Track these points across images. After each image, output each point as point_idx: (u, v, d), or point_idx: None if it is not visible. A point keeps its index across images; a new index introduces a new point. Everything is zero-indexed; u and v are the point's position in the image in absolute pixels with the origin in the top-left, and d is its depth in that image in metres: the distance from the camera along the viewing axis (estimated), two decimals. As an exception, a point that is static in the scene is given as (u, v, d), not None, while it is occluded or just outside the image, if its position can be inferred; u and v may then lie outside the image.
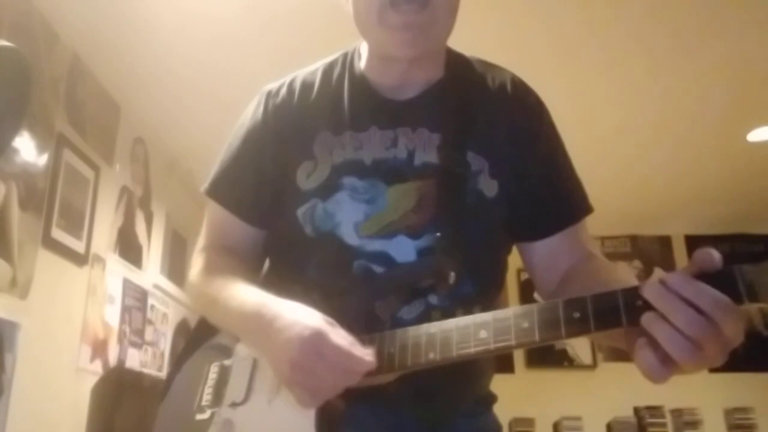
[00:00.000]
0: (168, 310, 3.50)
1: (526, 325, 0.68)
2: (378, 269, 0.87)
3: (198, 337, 1.01)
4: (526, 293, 4.57)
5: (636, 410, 4.21)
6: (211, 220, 1.04)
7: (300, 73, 1.03)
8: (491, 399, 0.99)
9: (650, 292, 0.60)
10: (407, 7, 0.85)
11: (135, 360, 2.99)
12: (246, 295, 0.86)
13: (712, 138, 3.42)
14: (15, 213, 2.07)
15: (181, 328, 3.73)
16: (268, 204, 0.97)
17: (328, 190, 0.91)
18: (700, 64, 2.73)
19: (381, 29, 0.88)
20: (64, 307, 2.38)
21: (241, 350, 0.92)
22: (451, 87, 0.96)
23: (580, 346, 4.51)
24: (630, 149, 3.48)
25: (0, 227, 2.00)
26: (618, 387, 4.31)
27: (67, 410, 2.36)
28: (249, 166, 0.99)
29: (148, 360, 3.16)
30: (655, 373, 0.63)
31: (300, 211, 0.91)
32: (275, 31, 2.46)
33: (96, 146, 2.68)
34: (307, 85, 1.00)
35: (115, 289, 2.82)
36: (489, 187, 0.90)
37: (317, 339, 0.73)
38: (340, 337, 0.74)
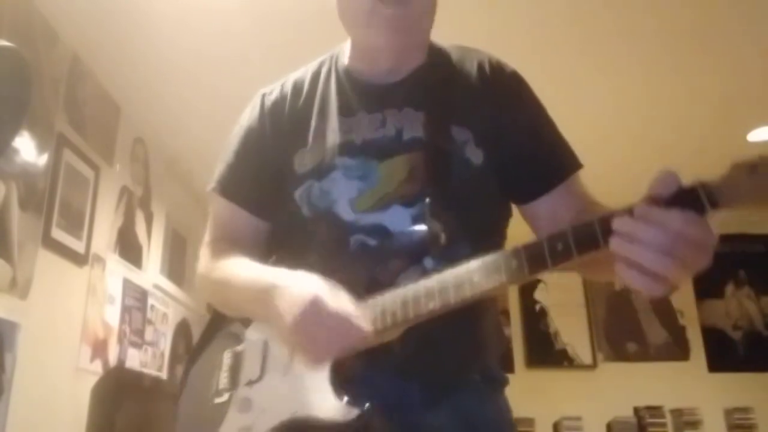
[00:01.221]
0: (168, 310, 3.50)
1: (515, 263, 0.74)
2: (373, 243, 0.91)
3: (211, 329, 1.07)
4: (526, 293, 4.58)
5: (636, 410, 4.20)
6: (216, 217, 1.09)
7: (291, 75, 1.11)
8: (501, 380, 1.01)
9: (618, 221, 0.68)
10: (394, 1, 0.93)
11: (135, 360, 2.99)
12: (251, 270, 0.94)
13: (712, 138, 3.42)
14: (15, 213, 2.07)
15: (181, 328, 3.73)
16: (271, 194, 1.02)
17: (322, 170, 0.96)
18: (700, 63, 2.73)
19: (370, 23, 0.96)
20: (64, 307, 2.38)
21: (252, 335, 0.97)
22: (432, 69, 1.03)
23: (580, 346, 4.52)
24: (629, 149, 3.47)
25: (0, 227, 2.00)
26: (618, 387, 4.31)
27: (67, 410, 2.36)
28: (250, 160, 1.05)
29: (148, 360, 3.16)
30: (644, 285, 0.67)
31: (297, 193, 0.97)
32: (277, 33, 2.46)
33: (96, 146, 2.68)
34: (298, 84, 1.08)
35: (115, 289, 2.82)
36: (475, 155, 0.96)
37: (316, 304, 0.80)
38: (340, 302, 0.81)
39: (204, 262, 1.06)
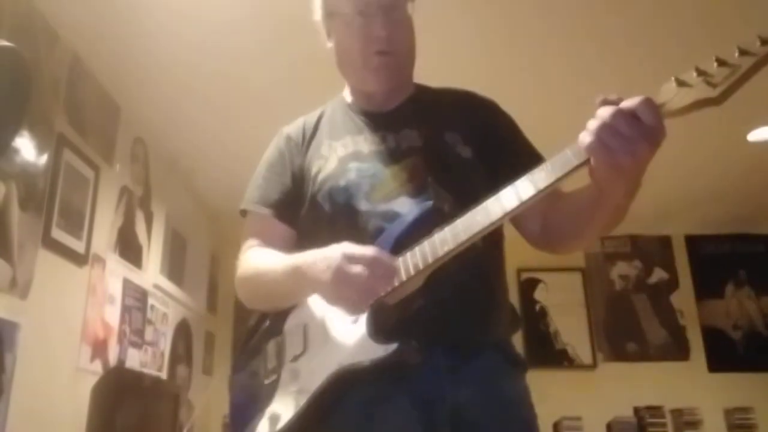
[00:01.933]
0: (168, 310, 3.50)
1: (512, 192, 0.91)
2: (388, 225, 1.05)
3: (253, 332, 1.20)
4: (526, 293, 4.58)
5: (636, 410, 4.20)
6: (250, 231, 1.24)
7: (303, 117, 1.31)
8: (522, 363, 1.13)
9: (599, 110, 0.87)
10: (384, 52, 1.16)
11: (135, 360, 2.99)
12: (281, 258, 1.08)
13: (712, 138, 3.42)
14: (15, 213, 2.07)
15: (181, 328, 3.73)
16: (297, 204, 1.19)
17: (339, 174, 1.14)
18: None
19: (364, 71, 1.19)
20: (64, 307, 2.38)
21: (290, 324, 1.10)
22: (420, 97, 1.26)
23: (580, 346, 4.52)
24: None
25: (0, 227, 2.00)
26: (618, 387, 4.31)
27: (67, 410, 2.36)
28: (277, 179, 1.23)
29: (148, 360, 3.16)
30: (607, 158, 0.83)
31: (320, 195, 1.14)
32: (276, 34, 2.46)
33: (96, 146, 2.68)
34: (309, 120, 1.29)
35: (115, 289, 2.82)
36: (465, 151, 1.15)
37: (346, 255, 0.95)
38: (364, 250, 0.95)
39: (240, 268, 1.20)
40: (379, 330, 0.96)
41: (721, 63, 0.80)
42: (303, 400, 0.99)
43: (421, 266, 0.95)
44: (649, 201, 4.26)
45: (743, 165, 3.72)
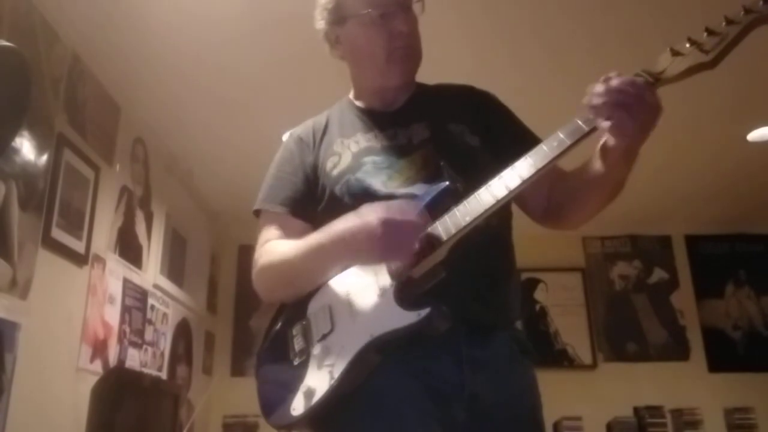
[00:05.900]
0: (168, 310, 3.50)
1: (530, 161, 0.98)
2: None
3: (275, 322, 1.21)
4: (526, 293, 4.58)
5: (636, 410, 4.20)
6: (266, 229, 1.25)
7: (311, 119, 1.34)
8: (531, 351, 1.17)
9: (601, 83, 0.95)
10: (406, 46, 1.23)
11: (135, 360, 2.99)
12: (307, 240, 1.11)
13: (712, 138, 3.43)
14: (15, 213, 2.07)
15: (181, 328, 3.73)
16: (309, 198, 1.23)
17: (355, 167, 1.18)
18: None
19: (388, 64, 1.22)
20: (64, 307, 2.38)
21: (313, 307, 1.11)
22: (422, 94, 1.31)
23: (580, 346, 4.52)
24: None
25: (0, 227, 2.00)
26: (618, 387, 4.31)
27: (67, 410, 2.36)
28: (289, 177, 1.26)
29: (148, 360, 3.16)
30: (614, 131, 0.95)
31: (337, 189, 1.17)
32: (275, 34, 2.46)
33: (96, 146, 2.68)
34: (318, 121, 1.32)
35: (115, 289, 2.82)
36: (473, 140, 1.21)
37: (384, 218, 0.98)
38: (395, 207, 1.01)
39: (260, 260, 1.21)
40: (408, 299, 1.00)
41: (711, 33, 0.89)
42: (337, 373, 1.02)
43: (444, 237, 0.99)
44: (649, 201, 4.27)
45: (743, 165, 3.73)
